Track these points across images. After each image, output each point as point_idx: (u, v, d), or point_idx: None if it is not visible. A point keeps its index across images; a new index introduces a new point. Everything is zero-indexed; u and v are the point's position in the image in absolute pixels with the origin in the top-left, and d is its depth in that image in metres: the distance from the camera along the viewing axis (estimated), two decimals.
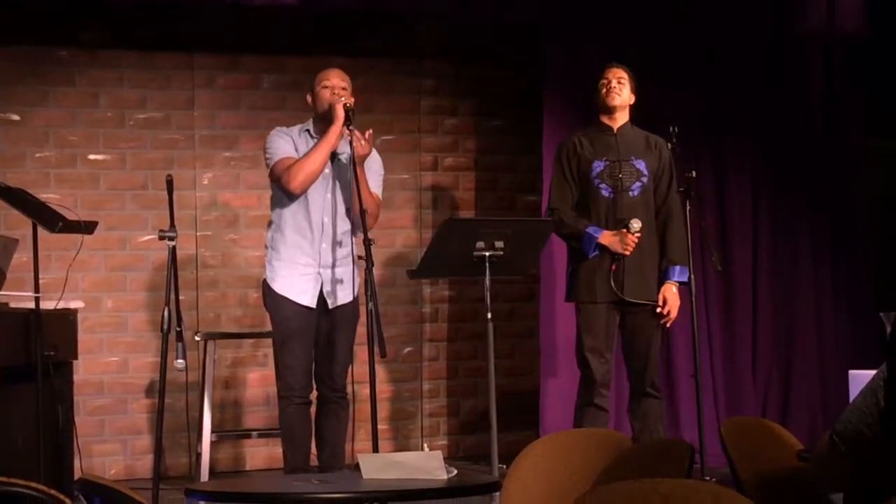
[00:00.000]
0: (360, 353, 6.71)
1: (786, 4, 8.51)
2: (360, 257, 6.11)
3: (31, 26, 7.73)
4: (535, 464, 4.07)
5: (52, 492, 2.91)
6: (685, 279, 6.86)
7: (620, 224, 6.81)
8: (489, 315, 6.46)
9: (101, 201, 7.82)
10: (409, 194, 8.48)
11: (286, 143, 6.33)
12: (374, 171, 6.35)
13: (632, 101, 6.97)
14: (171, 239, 6.08)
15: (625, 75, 6.93)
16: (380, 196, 6.41)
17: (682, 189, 6.83)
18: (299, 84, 6.92)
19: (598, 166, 6.89)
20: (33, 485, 2.92)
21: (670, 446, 3.95)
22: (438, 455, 4.42)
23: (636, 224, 6.78)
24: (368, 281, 5.93)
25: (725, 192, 8.56)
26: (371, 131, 6.27)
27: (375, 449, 6.00)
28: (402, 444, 8.33)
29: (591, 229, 6.81)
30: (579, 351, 6.90)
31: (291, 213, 6.31)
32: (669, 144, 6.91)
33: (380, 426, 6.28)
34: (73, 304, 6.84)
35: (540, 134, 8.23)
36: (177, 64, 8.01)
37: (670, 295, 6.85)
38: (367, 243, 6.00)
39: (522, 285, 8.55)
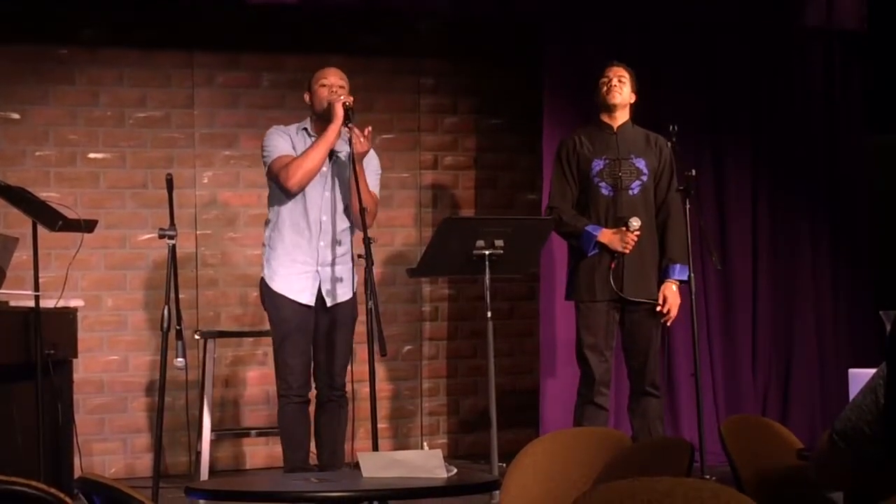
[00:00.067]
0: (360, 351, 6.71)
1: (786, 1, 8.51)
2: (359, 256, 6.10)
3: (31, 25, 7.73)
4: (534, 462, 4.07)
5: (52, 490, 2.90)
6: (685, 278, 6.86)
7: (620, 222, 6.81)
8: (489, 313, 6.46)
9: (100, 200, 7.82)
10: (409, 193, 8.48)
11: (284, 141, 6.33)
12: (371, 170, 6.35)
13: (632, 100, 6.98)
14: (170, 237, 6.09)
15: (625, 74, 6.93)
16: (377, 194, 6.41)
17: (681, 188, 6.82)
18: (299, 82, 6.92)
19: (598, 165, 6.89)
20: (33, 483, 2.92)
21: (670, 445, 3.95)
22: (438, 454, 4.42)
23: (636, 222, 6.78)
24: (368, 279, 5.93)
25: (725, 190, 8.56)
26: (370, 128, 6.27)
27: (375, 448, 6.01)
28: (401, 443, 8.33)
29: (590, 227, 6.81)
30: (579, 349, 6.90)
31: (289, 212, 6.30)
32: (669, 143, 6.91)
33: (379, 425, 6.28)
34: (73, 303, 6.84)
35: (539, 132, 8.23)
36: (176, 62, 8.01)
37: (670, 293, 6.85)
38: (367, 242, 6.00)
39: (522, 284, 8.55)
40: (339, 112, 6.16)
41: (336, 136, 6.22)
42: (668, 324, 6.99)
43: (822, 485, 3.43)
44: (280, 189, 6.27)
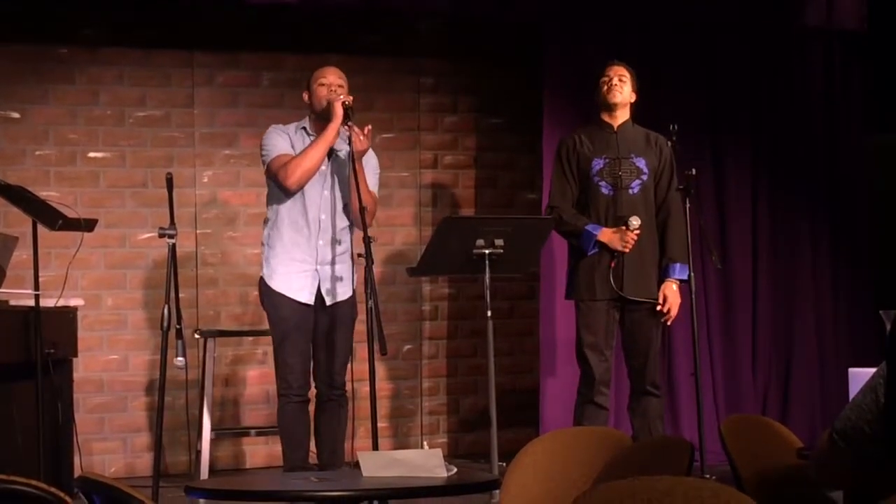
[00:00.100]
0: (360, 350, 6.71)
1: (786, 1, 8.51)
2: (359, 255, 6.10)
3: (32, 24, 7.72)
4: (534, 462, 4.07)
5: (52, 489, 2.90)
6: (685, 277, 6.86)
7: (620, 221, 6.81)
8: (489, 313, 6.46)
9: (100, 199, 7.82)
10: (409, 192, 8.48)
11: (283, 140, 6.33)
12: (369, 169, 6.34)
13: (633, 100, 6.97)
14: (170, 237, 6.09)
15: (626, 73, 6.93)
16: (376, 193, 6.41)
17: (681, 187, 6.82)
18: (298, 82, 6.93)
19: (598, 164, 6.89)
20: (33, 482, 2.92)
21: (670, 444, 3.95)
22: (438, 453, 4.42)
23: (635, 221, 6.78)
24: (368, 278, 5.93)
25: (725, 190, 8.56)
26: (370, 126, 6.26)
27: (375, 447, 6.00)
28: (401, 442, 8.33)
29: (590, 227, 6.81)
30: (579, 348, 6.90)
31: (288, 210, 6.29)
32: (670, 142, 6.91)
33: (379, 424, 6.28)
34: (72, 302, 6.84)
35: (539, 132, 8.23)
36: (176, 62, 8.01)
37: (671, 293, 6.85)
38: (367, 241, 6.00)
39: (522, 283, 8.55)
40: (339, 111, 6.16)
41: (335, 135, 6.22)
42: (669, 323, 6.98)
43: (822, 484, 3.44)
44: (279, 188, 6.27)
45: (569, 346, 7.39)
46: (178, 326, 6.05)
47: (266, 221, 6.41)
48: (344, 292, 6.31)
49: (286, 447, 6.32)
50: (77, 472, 6.55)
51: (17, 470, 3.50)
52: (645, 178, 6.90)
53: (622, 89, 6.90)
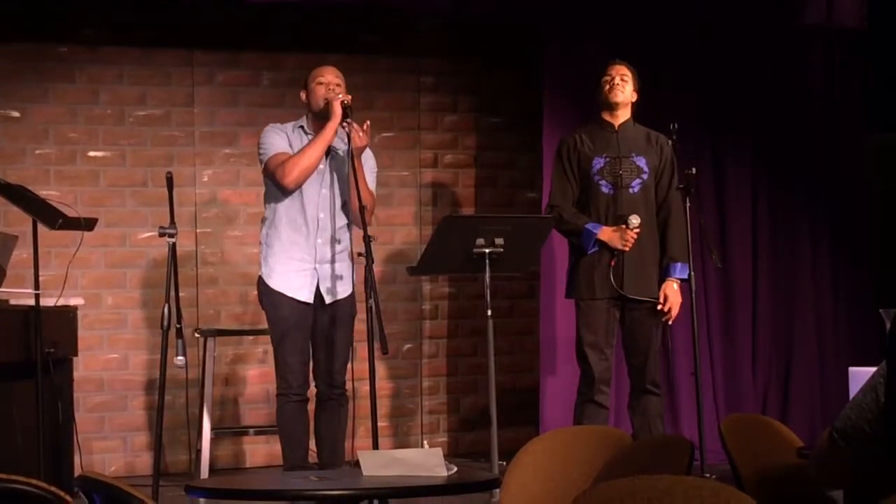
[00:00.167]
0: (361, 349, 6.71)
1: (786, 1, 8.51)
2: (359, 254, 6.10)
3: (32, 23, 7.73)
4: (534, 461, 4.08)
5: (52, 489, 2.90)
6: (686, 276, 6.86)
7: (620, 221, 6.81)
8: (489, 312, 6.46)
9: (100, 198, 7.82)
10: (409, 191, 8.48)
11: (280, 138, 6.32)
12: (367, 168, 6.33)
13: (634, 99, 6.97)
14: (170, 236, 6.09)
15: (628, 73, 6.93)
16: (374, 191, 6.40)
17: (681, 186, 6.82)
18: (298, 81, 6.92)
19: (599, 163, 6.89)
20: (33, 482, 2.92)
21: (670, 443, 3.95)
22: (438, 452, 4.41)
23: (635, 220, 6.78)
24: (369, 277, 5.93)
25: (725, 190, 8.56)
26: (369, 122, 6.26)
27: (375, 446, 6.00)
28: (402, 441, 8.33)
29: (590, 225, 6.81)
30: (579, 347, 6.90)
31: (286, 209, 6.28)
32: (670, 141, 6.91)
33: (380, 423, 6.28)
34: (72, 301, 6.84)
35: (539, 131, 8.24)
36: (176, 61, 8.01)
37: (671, 292, 6.85)
38: (367, 240, 6.00)
39: (522, 282, 8.55)
40: (338, 110, 6.16)
41: (333, 134, 6.21)
42: (670, 322, 6.98)
43: (822, 483, 3.43)
44: (276, 186, 6.26)
45: (569, 345, 7.39)
46: (178, 325, 6.05)
47: (264, 220, 6.40)
48: (343, 291, 6.31)
49: (285, 446, 6.31)
50: (77, 472, 6.55)
51: (18, 469, 3.50)
52: (645, 177, 6.90)
53: (624, 89, 6.90)
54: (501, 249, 6.43)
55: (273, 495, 4.43)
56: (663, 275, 6.87)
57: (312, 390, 6.34)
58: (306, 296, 6.25)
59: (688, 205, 6.79)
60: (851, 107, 8.85)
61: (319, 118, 6.26)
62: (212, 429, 7.40)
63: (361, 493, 4.27)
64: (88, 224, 6.50)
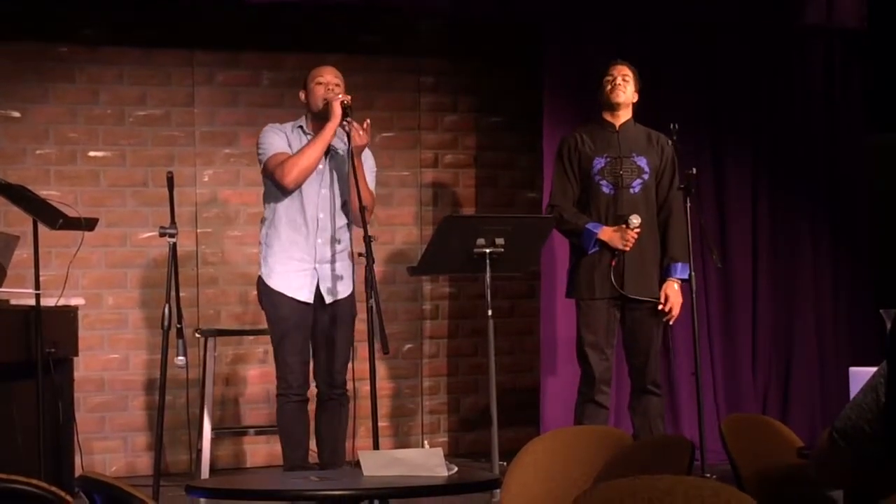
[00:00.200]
0: (361, 349, 6.71)
1: (786, 1, 8.51)
2: (360, 254, 6.10)
3: (32, 23, 7.73)
4: (535, 461, 4.08)
5: (53, 489, 2.90)
6: (686, 276, 6.86)
7: (621, 221, 6.81)
8: (490, 312, 6.47)
9: (101, 198, 7.82)
10: (409, 191, 8.48)
11: (279, 138, 6.32)
12: (366, 168, 6.33)
13: (635, 100, 6.97)
14: (171, 236, 6.09)
15: (629, 73, 6.93)
16: (373, 191, 6.40)
17: (682, 186, 6.82)
18: (298, 81, 6.92)
19: (599, 163, 6.89)
20: (34, 482, 2.92)
21: (670, 443, 3.95)
22: (439, 452, 4.42)
23: (635, 220, 6.78)
24: (369, 278, 5.92)
25: (725, 190, 8.56)
26: (369, 121, 6.26)
27: (376, 446, 6.00)
28: (402, 441, 8.33)
29: (591, 225, 6.82)
30: (579, 347, 6.90)
31: (285, 209, 6.28)
32: (670, 141, 6.91)
33: (380, 423, 6.28)
34: (73, 301, 6.85)
35: (539, 131, 8.24)
36: (177, 61, 8.01)
37: (672, 292, 6.85)
38: (368, 240, 6.00)
39: (523, 282, 8.55)
40: (337, 110, 6.16)
41: (333, 134, 6.21)
42: (671, 322, 6.98)
43: (823, 483, 3.44)
44: (276, 186, 6.26)
45: (569, 345, 7.40)
46: (178, 325, 6.06)
47: (263, 220, 6.40)
48: (343, 290, 6.30)
49: (285, 447, 6.31)
50: (78, 472, 6.56)
51: (18, 469, 3.50)
52: (646, 177, 6.90)
53: (626, 89, 6.90)
54: (502, 249, 6.43)
55: (273, 495, 4.43)
56: (664, 275, 6.87)
57: (313, 390, 6.34)
58: (306, 296, 6.25)
59: (688, 205, 6.80)
60: (851, 107, 8.85)
61: (319, 118, 6.26)
62: (212, 429, 7.40)
63: (362, 494, 4.27)
64: (89, 224, 6.51)
